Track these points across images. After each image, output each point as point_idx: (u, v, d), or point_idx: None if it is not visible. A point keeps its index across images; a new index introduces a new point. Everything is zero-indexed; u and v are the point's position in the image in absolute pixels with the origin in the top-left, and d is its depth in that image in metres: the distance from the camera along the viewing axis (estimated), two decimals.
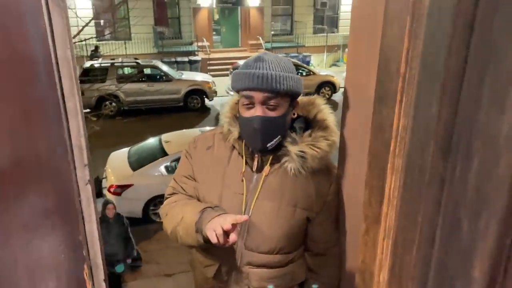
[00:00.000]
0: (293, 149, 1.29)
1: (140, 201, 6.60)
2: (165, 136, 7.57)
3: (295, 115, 1.35)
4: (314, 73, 13.73)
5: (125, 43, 15.96)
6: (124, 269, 4.89)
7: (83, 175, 0.70)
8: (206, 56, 17.12)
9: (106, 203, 4.88)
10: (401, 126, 0.72)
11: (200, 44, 17.59)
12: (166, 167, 6.75)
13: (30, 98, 0.59)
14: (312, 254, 1.44)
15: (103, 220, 4.82)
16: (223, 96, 13.11)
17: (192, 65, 15.91)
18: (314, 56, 18.21)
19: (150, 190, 6.63)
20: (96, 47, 14.57)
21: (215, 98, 12.70)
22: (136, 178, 6.66)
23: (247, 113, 1.26)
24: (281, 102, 1.25)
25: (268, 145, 1.27)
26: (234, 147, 1.38)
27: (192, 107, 12.34)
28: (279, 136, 1.28)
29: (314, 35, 19.79)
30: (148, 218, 6.66)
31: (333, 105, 1.44)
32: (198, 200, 1.42)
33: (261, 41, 18.55)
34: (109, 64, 11.61)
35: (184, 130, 8.26)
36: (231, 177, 1.36)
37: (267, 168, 1.34)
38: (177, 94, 12.14)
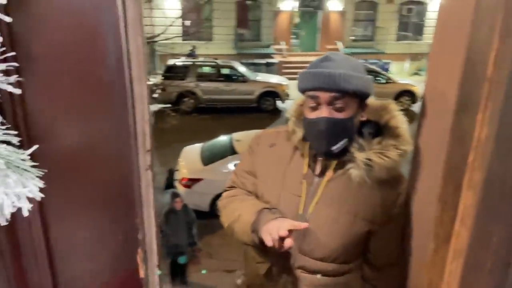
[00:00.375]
0: (359, 155, 1.22)
1: (208, 195, 6.80)
2: (236, 135, 7.73)
3: (364, 119, 1.28)
4: (393, 81, 13.17)
5: (206, 43, 16.58)
6: (187, 260, 5.06)
7: (144, 160, 0.71)
8: (283, 59, 17.19)
9: (174, 196, 5.09)
10: (484, 136, 0.64)
11: (278, 47, 17.72)
12: (235, 165, 6.85)
13: (99, 81, 0.61)
14: (371, 267, 1.35)
15: (171, 211, 5.04)
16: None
17: (268, 67, 16.07)
18: (395, 64, 17.48)
19: (218, 186, 6.75)
20: (194, 47, 15.42)
21: (287, 101, 12.70)
22: (206, 173, 6.88)
23: (312, 114, 1.21)
24: (349, 103, 1.19)
25: (333, 148, 1.22)
26: (297, 147, 1.34)
27: (264, 109, 12.47)
28: (345, 140, 1.22)
29: (397, 42, 19.00)
30: (214, 213, 6.85)
31: (412, 115, 1.34)
32: (257, 197, 1.41)
33: (340, 46, 18.21)
34: (190, 63, 12.15)
35: (255, 130, 8.36)
36: (291, 178, 1.32)
37: (330, 173, 1.28)
38: (251, 95, 12.35)
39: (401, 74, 17.46)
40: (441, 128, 1.04)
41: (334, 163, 1.28)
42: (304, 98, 1.35)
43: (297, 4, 18.25)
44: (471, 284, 0.60)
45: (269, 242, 1.15)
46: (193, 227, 5.15)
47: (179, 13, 15.08)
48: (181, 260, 5.00)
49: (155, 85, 12.34)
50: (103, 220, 0.68)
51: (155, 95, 11.44)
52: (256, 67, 15.56)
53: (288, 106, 12.75)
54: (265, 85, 12.52)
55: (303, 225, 1.17)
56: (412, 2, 19.20)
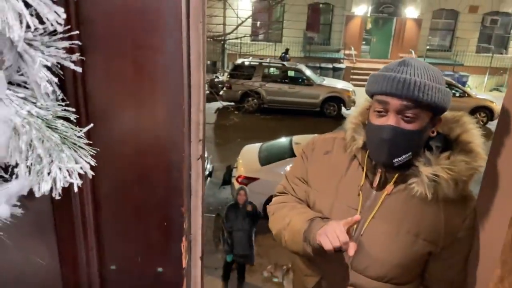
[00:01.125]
0: (425, 170, 1.12)
1: (263, 196, 6.80)
2: (296, 138, 7.66)
3: (434, 134, 1.17)
4: (469, 95, 12.36)
5: (275, 45, 16.67)
6: (232, 259, 5.07)
7: (196, 150, 0.70)
8: (351, 65, 16.81)
9: (240, 188, 5.13)
10: None
11: (347, 52, 17.37)
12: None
13: (157, 66, 0.61)
14: None
15: (233, 205, 5.09)
16: None
17: (335, 72, 15.80)
18: (472, 77, 16.38)
19: (273, 187, 6.68)
20: (287, 50, 15.81)
21: (352, 108, 12.39)
22: (263, 173, 6.88)
23: (377, 121, 1.13)
24: (420, 114, 1.09)
25: (395, 160, 1.13)
26: (355, 156, 1.27)
27: (327, 114, 12.27)
28: (409, 153, 1.13)
29: (477, 54, 17.79)
30: (266, 214, 6.84)
31: (487, 133, 1.21)
32: (308, 205, 1.36)
33: (414, 54, 17.42)
34: (257, 63, 12.28)
35: (316, 135, 8.23)
36: (346, 189, 1.25)
37: (390, 187, 1.19)
38: (315, 99, 12.21)
39: (479, 88, 16.33)
40: None
41: (395, 176, 1.19)
42: (366, 104, 1.28)
43: (370, 9, 17.74)
44: None
45: (328, 245, 1.09)
46: (254, 227, 5.11)
47: (250, 14, 15.33)
48: (228, 258, 5.03)
49: (222, 82, 12.68)
50: (150, 204, 0.68)
51: (221, 93, 11.76)
52: (322, 71, 15.37)
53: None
54: (330, 90, 12.31)
55: (356, 217, 1.09)
56: (498, 13, 17.87)
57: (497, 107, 12.00)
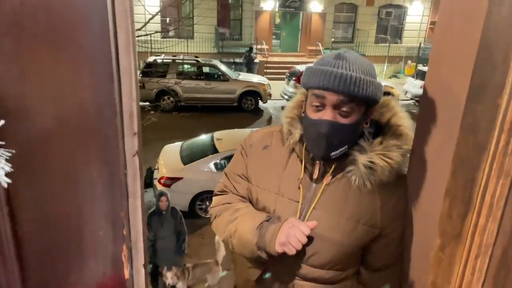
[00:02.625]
0: (361, 158, 1.14)
1: (188, 195, 6.69)
2: (217, 134, 7.62)
3: (368, 125, 1.19)
4: None
5: (187, 41, 16.38)
6: (156, 268, 4.87)
7: (131, 145, 0.62)
8: (264, 59, 17.16)
9: (161, 194, 4.90)
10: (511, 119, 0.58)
11: (259, 47, 17.67)
12: (216, 164, 6.79)
13: (79, 48, 0.52)
14: (369, 269, 1.28)
15: (155, 212, 4.85)
16: (277, 100, 13.07)
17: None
18: (374, 66, 17.67)
19: (198, 185, 6.70)
20: (251, 48, 15.66)
21: (269, 101, 12.67)
22: (186, 172, 6.76)
23: (314, 115, 1.13)
24: (355, 108, 1.10)
25: (332, 154, 1.14)
26: (293, 149, 1.26)
27: (245, 108, 12.41)
28: (346, 146, 1.14)
29: (376, 45, 19.24)
30: (193, 213, 6.73)
31: None
32: (250, 202, 1.33)
33: (320, 47, 18.30)
34: (170, 60, 11.95)
35: (236, 129, 8.29)
36: (287, 183, 1.24)
37: (328, 177, 1.20)
38: (233, 94, 12.26)
39: (380, 76, 17.67)
40: (446, 120, 0.98)
41: (332, 166, 1.20)
42: (301, 97, 1.27)
43: (278, 4, 18.23)
44: (505, 280, 0.54)
45: (292, 251, 1.11)
46: (183, 231, 4.92)
47: (158, 9, 14.85)
48: (149, 269, 4.82)
49: None
50: (82, 212, 0.59)
51: None
52: (237, 67, 15.48)
53: (269, 106, 12.73)
54: (246, 84, 12.45)
55: (313, 223, 1.12)
56: (391, 5, 19.48)
57: (396, 92, 13.08)
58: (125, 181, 0.63)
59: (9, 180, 0.45)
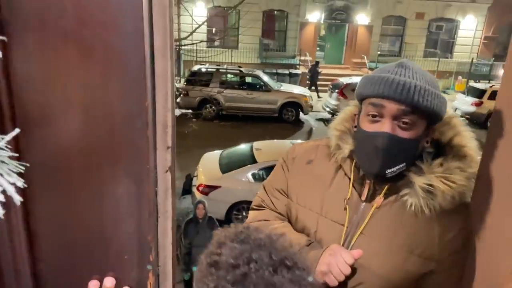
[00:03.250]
0: (418, 180, 1.02)
1: (225, 204, 6.66)
2: (256, 144, 7.58)
3: (428, 144, 1.07)
4: None
5: (231, 51, 16.59)
6: (191, 277, 4.84)
7: (164, 159, 0.55)
8: (307, 71, 17.04)
9: (198, 202, 4.90)
10: None
11: (302, 58, 17.59)
12: (254, 175, 6.74)
13: (110, 49, 0.46)
14: None
15: (192, 219, 4.85)
16: (319, 112, 12.88)
17: (292, 78, 15.94)
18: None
19: (235, 195, 6.66)
20: (317, 62, 16.03)
21: (310, 113, 12.52)
22: (224, 181, 6.74)
23: (370, 127, 1.02)
24: (417, 121, 0.99)
25: (388, 171, 1.02)
26: (340, 166, 1.15)
27: (286, 119, 12.32)
28: (403, 164, 1.02)
29: (424, 59, 18.61)
30: (230, 222, 6.68)
31: None
32: (289, 220, 1.23)
33: (366, 60, 17.94)
34: (214, 70, 12.12)
35: (276, 140, 8.22)
36: (331, 203, 1.13)
37: (379, 199, 1.08)
38: (274, 105, 12.22)
39: None
40: None
41: (385, 187, 1.08)
42: (353, 110, 1.17)
43: (323, 16, 18.10)
44: None
45: (333, 282, 1.00)
46: None
47: (205, 19, 15.16)
48: (185, 276, 4.80)
49: (178, 89, 12.39)
50: (105, 233, 0.52)
51: (178, 100, 11.47)
52: (279, 77, 15.46)
53: (310, 117, 12.57)
54: (288, 95, 12.37)
55: (358, 252, 1.01)
56: (443, 19, 18.83)
57: (449, 109, 12.50)
58: (155, 200, 0.56)
59: (21, 198, 0.39)
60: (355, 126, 1.11)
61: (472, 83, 14.81)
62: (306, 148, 1.25)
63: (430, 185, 1.01)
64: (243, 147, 7.75)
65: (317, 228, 1.13)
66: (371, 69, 17.48)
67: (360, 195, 1.11)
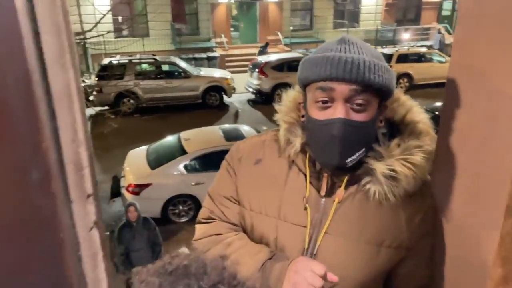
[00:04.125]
0: (379, 167, 0.94)
1: (159, 201, 6.39)
2: (184, 134, 7.32)
3: (382, 124, 0.99)
4: None
5: (143, 40, 15.79)
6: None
7: (84, 214, 0.39)
8: (224, 53, 16.82)
9: (128, 205, 4.60)
10: None
11: (218, 40, 17.31)
12: (186, 166, 6.53)
13: None
14: None
15: (125, 224, 4.56)
16: (242, 93, 12.82)
17: (210, 62, 15.65)
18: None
19: (169, 190, 6.42)
20: (267, 44, 15.17)
21: (233, 95, 12.41)
22: (155, 177, 6.44)
23: (321, 115, 0.91)
24: (370, 100, 0.90)
25: (348, 160, 0.92)
26: (293, 162, 1.04)
27: (210, 104, 12.09)
28: (363, 150, 0.94)
29: (334, 30, 19.28)
30: (167, 218, 6.45)
31: None
32: (244, 230, 1.09)
33: (280, 36, 18.15)
34: (127, 61, 11.43)
35: (203, 127, 8.01)
36: (289, 204, 1.02)
37: (340, 192, 0.98)
38: (196, 91, 11.91)
39: None
40: (485, 114, 0.80)
41: (345, 179, 0.98)
42: (298, 97, 1.04)
43: None
44: None
45: None
46: (158, 242, 4.61)
47: (109, 9, 14.19)
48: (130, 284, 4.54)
49: (90, 86, 11.53)
50: None
51: (91, 98, 10.66)
52: (197, 62, 15.08)
53: (235, 100, 12.47)
54: (209, 80, 12.11)
55: (333, 278, 0.87)
56: None
57: None
58: (81, 271, 0.39)
59: None
60: (303, 116, 1.00)
61: (379, 49, 15.69)
62: (252, 146, 1.11)
63: (392, 170, 0.93)
64: (170, 139, 7.44)
65: (277, 234, 1.01)
66: (286, 45, 17.76)
67: (319, 191, 1.00)
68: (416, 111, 1.02)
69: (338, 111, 0.89)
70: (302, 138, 1.00)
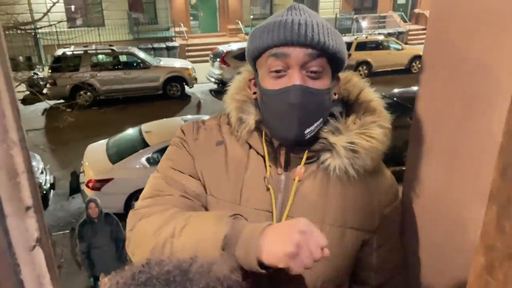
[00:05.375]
0: (338, 140, 0.91)
1: (121, 196, 6.20)
2: (145, 126, 7.12)
3: (337, 96, 0.97)
4: None
5: (98, 30, 15.18)
6: (95, 282, 4.50)
7: (23, 231, 0.32)
8: (184, 42, 16.47)
9: (88, 201, 4.44)
10: None
11: (177, 29, 16.91)
12: (148, 159, 6.36)
13: None
14: (368, 287, 1.03)
15: (86, 221, 4.40)
16: (204, 83, 12.62)
17: (170, 52, 15.31)
18: None
19: (131, 184, 6.23)
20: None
21: (195, 85, 12.21)
22: (116, 172, 6.24)
23: (276, 84, 0.87)
24: (325, 68, 0.87)
25: (307, 131, 0.89)
26: (250, 146, 0.98)
27: (172, 95, 11.84)
28: (320, 120, 0.90)
29: None
30: (128, 225, 6.27)
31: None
32: None
33: (241, 25, 17.98)
34: (82, 52, 10.95)
35: (165, 119, 7.82)
36: (251, 188, 0.95)
37: (300, 170, 0.94)
38: (156, 82, 11.61)
39: None
40: (464, 99, 0.78)
41: (304, 154, 0.94)
42: (246, 75, 1.00)
43: None
44: None
45: (299, 269, 0.72)
46: (120, 240, 4.46)
47: None
48: (91, 281, 4.42)
49: (43, 79, 10.97)
50: None
51: (45, 91, 10.14)
52: (156, 52, 14.72)
53: (196, 90, 12.26)
54: (170, 70, 11.83)
55: (327, 252, 0.75)
56: None
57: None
58: None
59: None
60: (254, 93, 0.96)
61: None
62: (209, 128, 1.03)
63: (352, 142, 0.91)
64: (130, 132, 7.21)
65: None
66: (247, 34, 17.62)
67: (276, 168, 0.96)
68: (369, 91, 1.01)
69: (294, 78, 0.85)
70: (256, 115, 0.96)
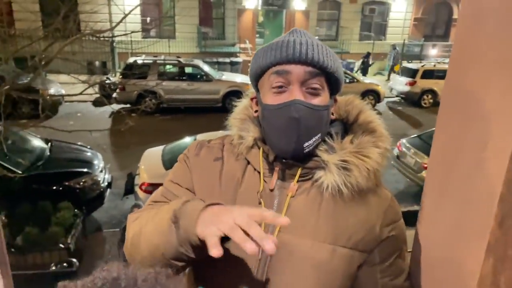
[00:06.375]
0: (330, 158, 0.93)
1: None
2: (200, 136, 7.31)
3: (334, 116, 1.01)
4: (358, 81, 13.17)
5: (168, 41, 16.00)
6: None
7: None
8: (248, 58, 16.87)
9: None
10: None
11: (242, 46, 17.38)
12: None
13: None
14: None
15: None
16: None
17: (233, 67, 15.72)
18: (358, 63, 17.55)
19: None
20: (369, 53, 16.43)
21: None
22: None
23: (277, 99, 0.91)
24: (324, 87, 0.92)
25: (306, 144, 0.92)
26: (248, 162, 1.01)
27: (230, 109, 12.02)
28: (319, 135, 0.94)
29: (360, 42, 19.14)
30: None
31: (377, 113, 1.09)
32: None
33: None
34: (151, 61, 11.58)
35: (220, 131, 8.00)
36: (243, 202, 0.97)
37: (293, 187, 0.96)
38: (216, 95, 11.95)
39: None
40: (478, 138, 0.75)
41: (298, 171, 0.96)
42: (249, 96, 1.06)
43: (260, 2, 17.96)
44: None
45: (214, 244, 0.71)
46: None
47: (137, 10, 14.43)
48: None
49: (114, 84, 11.72)
50: None
51: (114, 95, 10.82)
52: (220, 66, 15.18)
53: None
54: (230, 84, 12.14)
55: (282, 220, 0.73)
56: (375, 2, 19.41)
57: (382, 89, 13.00)
58: None
59: None
60: (256, 111, 1.01)
61: (405, 64, 15.44)
62: (211, 147, 1.09)
63: (345, 161, 0.92)
64: (186, 140, 7.44)
65: None
66: None
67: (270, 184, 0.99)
68: (369, 113, 1.02)
69: (294, 94, 0.89)
70: (254, 132, 1.01)
